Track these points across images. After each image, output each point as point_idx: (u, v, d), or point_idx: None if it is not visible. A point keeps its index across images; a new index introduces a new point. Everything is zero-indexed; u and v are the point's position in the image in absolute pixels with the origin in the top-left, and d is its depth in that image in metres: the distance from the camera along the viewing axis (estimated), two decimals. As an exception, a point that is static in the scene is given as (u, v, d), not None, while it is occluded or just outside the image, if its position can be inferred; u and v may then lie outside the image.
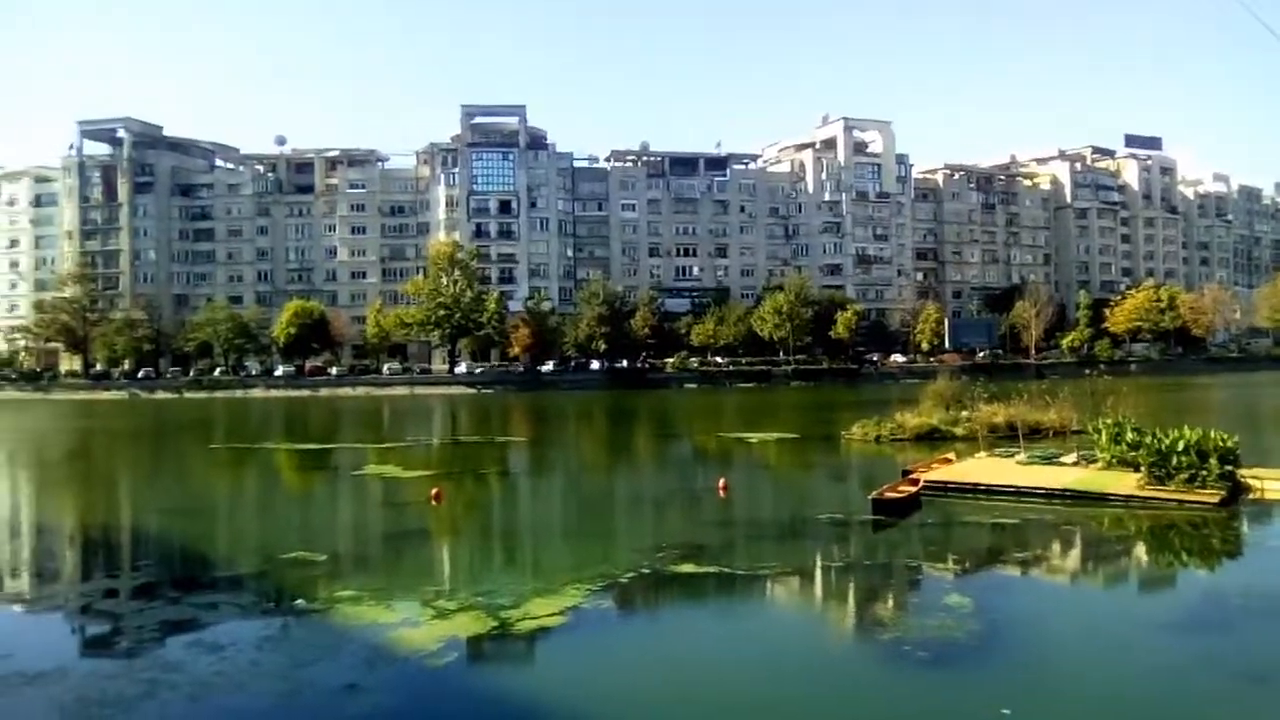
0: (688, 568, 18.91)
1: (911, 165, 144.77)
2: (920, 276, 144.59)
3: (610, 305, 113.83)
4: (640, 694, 12.62)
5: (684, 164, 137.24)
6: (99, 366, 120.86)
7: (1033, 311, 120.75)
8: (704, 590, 17.91)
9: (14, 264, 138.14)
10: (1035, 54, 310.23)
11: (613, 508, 29.99)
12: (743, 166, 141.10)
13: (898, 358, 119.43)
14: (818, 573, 19.58)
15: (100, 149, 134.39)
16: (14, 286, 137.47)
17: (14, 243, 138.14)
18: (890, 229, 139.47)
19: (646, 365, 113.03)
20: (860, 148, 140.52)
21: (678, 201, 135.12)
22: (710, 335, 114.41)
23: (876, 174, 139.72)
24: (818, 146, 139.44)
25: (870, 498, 24.45)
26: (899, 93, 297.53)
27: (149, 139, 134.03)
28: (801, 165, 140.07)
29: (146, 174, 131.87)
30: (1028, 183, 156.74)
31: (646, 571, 18.88)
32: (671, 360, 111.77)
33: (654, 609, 17.55)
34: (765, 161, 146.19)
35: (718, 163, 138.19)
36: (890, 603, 17.51)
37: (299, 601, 16.91)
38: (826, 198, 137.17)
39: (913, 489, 25.79)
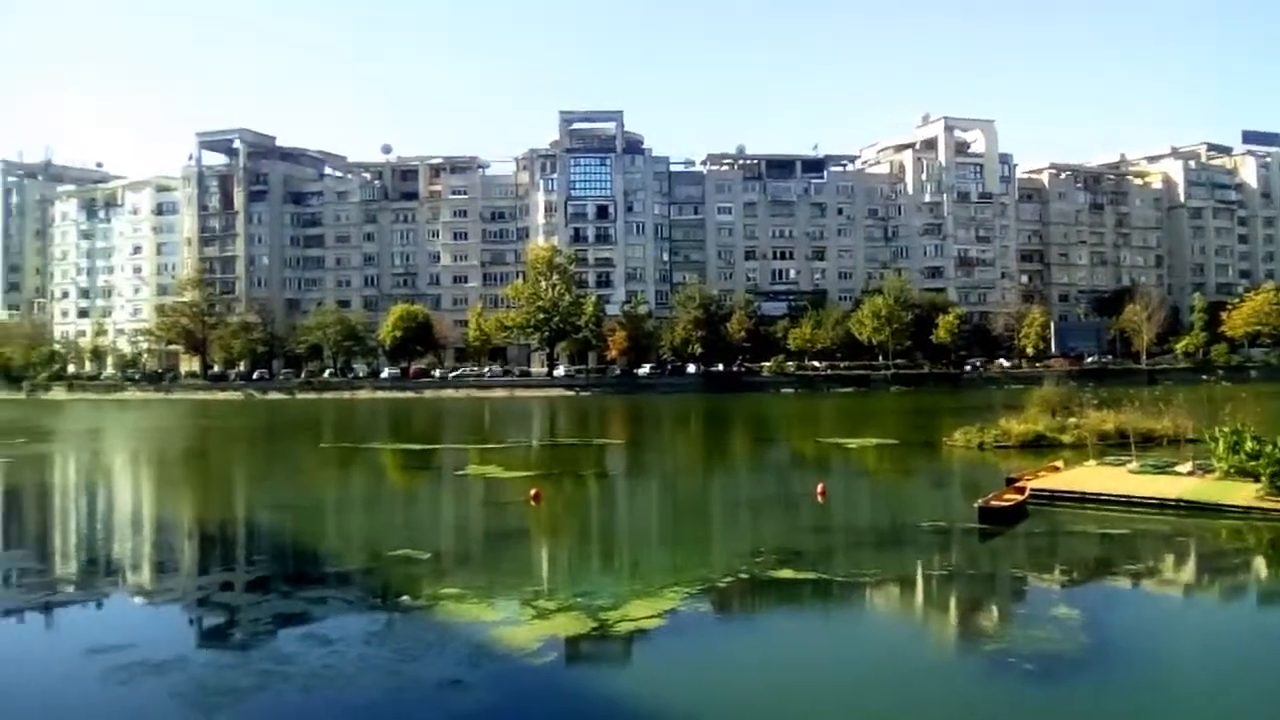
0: (786, 573, 18.81)
1: (1015, 165, 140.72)
2: (1025, 279, 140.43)
3: (706, 309, 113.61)
4: (737, 700, 12.61)
5: (780, 166, 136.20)
6: (216, 368, 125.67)
7: (1144, 315, 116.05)
8: (802, 596, 17.80)
9: (138, 270, 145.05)
10: (1146, 50, 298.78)
11: (709, 511, 30.01)
12: (840, 168, 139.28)
13: (1001, 362, 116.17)
14: (919, 581, 19.27)
15: (218, 159, 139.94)
16: (138, 291, 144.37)
17: (137, 249, 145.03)
18: (994, 230, 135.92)
19: (742, 369, 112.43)
20: (962, 148, 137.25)
21: (774, 204, 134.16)
22: (807, 339, 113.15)
23: (979, 174, 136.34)
24: (918, 147, 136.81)
25: (977, 506, 23.89)
26: (1002, 91, 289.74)
27: (263, 149, 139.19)
28: (901, 166, 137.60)
29: (260, 183, 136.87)
30: (1138, 182, 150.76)
31: (744, 576, 18.86)
32: (768, 364, 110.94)
33: (752, 614, 17.52)
34: (863, 163, 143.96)
35: (815, 165, 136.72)
36: (995, 613, 17.12)
37: (404, 598, 17.38)
38: (927, 199, 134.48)
39: (1019, 497, 25.15)
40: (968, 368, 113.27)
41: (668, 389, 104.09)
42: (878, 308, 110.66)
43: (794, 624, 16.62)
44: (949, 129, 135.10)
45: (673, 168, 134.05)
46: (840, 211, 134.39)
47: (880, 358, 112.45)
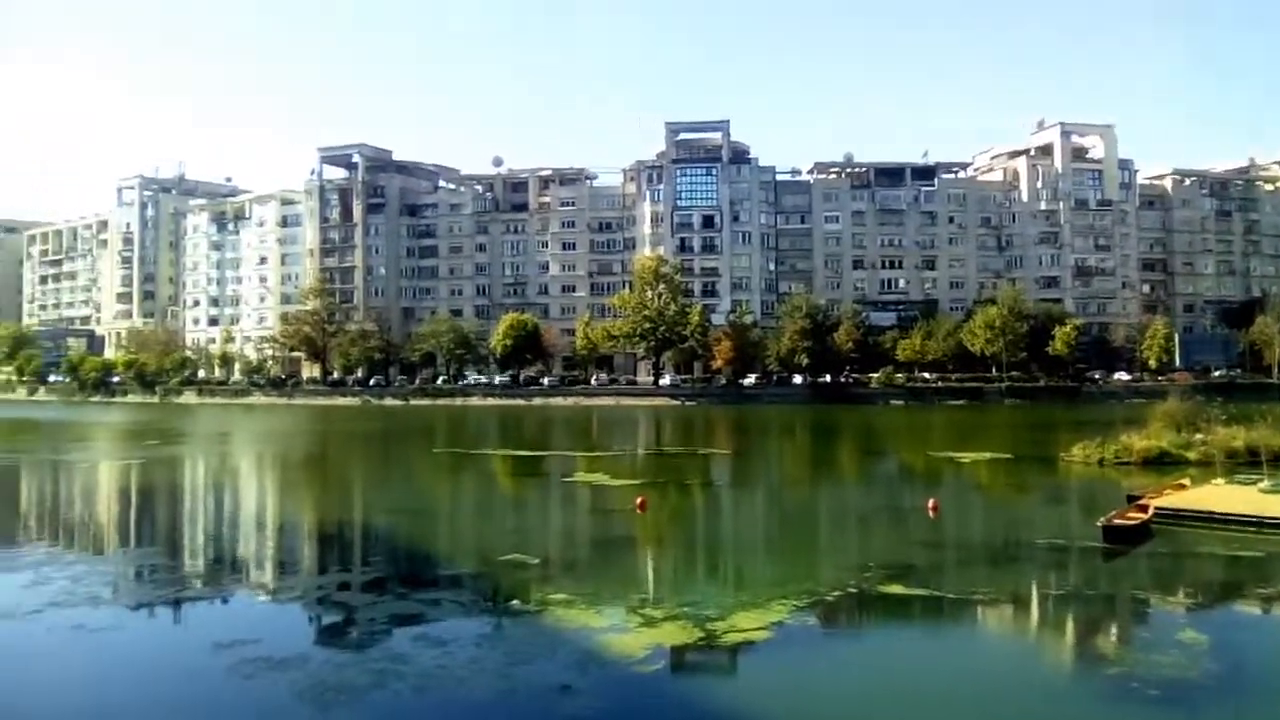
0: (896, 588, 18.50)
1: (1136, 171, 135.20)
2: (1147, 289, 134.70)
3: (813, 319, 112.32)
4: (844, 715, 12.47)
5: (889, 174, 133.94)
6: (335, 374, 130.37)
7: (1276, 327, 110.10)
8: (913, 613, 17.48)
9: (263, 279, 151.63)
10: (1275, 51, 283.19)
11: (817, 523, 29.70)
12: (951, 176, 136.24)
13: (1122, 376, 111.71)
14: (1035, 600, 18.71)
15: (338, 173, 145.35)
16: (263, 300, 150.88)
17: (263, 260, 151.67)
18: (1113, 238, 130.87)
19: (850, 380, 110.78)
20: (1079, 153, 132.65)
21: (883, 213, 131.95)
22: (917, 350, 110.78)
23: (1097, 180, 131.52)
24: (1032, 153, 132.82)
25: (1100, 524, 22.98)
26: (1122, 96, 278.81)
27: (380, 163, 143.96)
28: (1015, 173, 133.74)
29: (378, 195, 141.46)
30: (1269, 187, 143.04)
31: (853, 590, 18.62)
32: (876, 375, 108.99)
33: (860, 629, 17.30)
34: (975, 170, 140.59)
35: (925, 172, 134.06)
36: (1116, 636, 16.52)
37: (514, 602, 17.71)
38: (1042, 206, 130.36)
39: (1144, 516, 24.17)
40: (1086, 381, 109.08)
41: (773, 399, 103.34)
42: (991, 318, 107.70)
43: (904, 641, 16.34)
44: (1066, 134, 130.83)
45: (779, 177, 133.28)
46: (952, 220, 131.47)
47: (993, 370, 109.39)
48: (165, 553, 25.28)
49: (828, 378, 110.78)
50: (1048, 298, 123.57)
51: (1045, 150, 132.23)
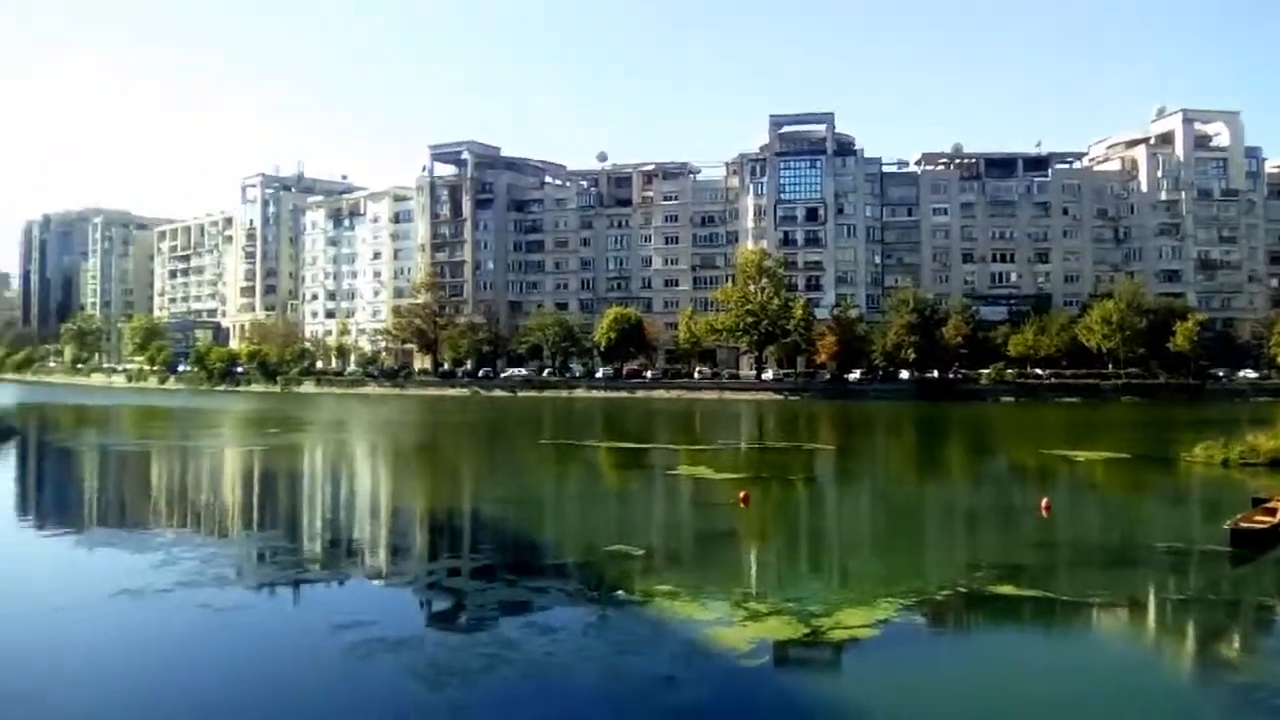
0: (1006, 589, 18.13)
1: (1264, 159, 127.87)
2: (1275, 283, 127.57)
3: (920, 313, 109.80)
4: (952, 716, 12.31)
5: (1000, 165, 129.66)
6: (446, 365, 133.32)
7: None
8: (1023, 615, 17.12)
9: (377, 274, 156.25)
10: None
11: (923, 521, 29.25)
12: (1066, 166, 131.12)
13: (1248, 373, 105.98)
14: (1154, 605, 18.12)
15: (448, 170, 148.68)
16: (377, 294, 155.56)
17: (377, 255, 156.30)
18: (1239, 230, 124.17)
19: (959, 376, 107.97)
20: (1202, 141, 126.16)
21: (994, 204, 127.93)
22: (1029, 346, 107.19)
23: (1222, 169, 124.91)
24: (1152, 142, 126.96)
25: (1227, 527, 22.00)
26: (1247, 82, 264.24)
27: (488, 159, 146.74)
28: (1133, 163, 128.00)
29: (486, 191, 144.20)
30: None
31: (962, 589, 18.32)
32: (986, 371, 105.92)
33: (969, 630, 17.02)
34: (1091, 160, 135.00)
35: (1038, 163, 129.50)
36: (1240, 643, 15.89)
37: (619, 592, 17.97)
38: (1163, 197, 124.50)
39: (1272, 520, 23.08)
40: (1209, 379, 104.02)
41: (879, 395, 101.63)
42: (1108, 313, 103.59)
43: (1014, 643, 16.02)
44: (1188, 121, 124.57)
45: (885, 168, 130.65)
46: (1066, 211, 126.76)
47: (1110, 366, 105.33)
48: (286, 536, 26.49)
49: (935, 373, 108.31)
50: (1168, 292, 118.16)
51: (1166, 139, 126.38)
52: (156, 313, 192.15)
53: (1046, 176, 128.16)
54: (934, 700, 12.85)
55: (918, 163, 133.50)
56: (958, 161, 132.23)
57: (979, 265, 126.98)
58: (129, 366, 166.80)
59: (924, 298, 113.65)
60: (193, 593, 17.90)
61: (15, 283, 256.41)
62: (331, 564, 22.44)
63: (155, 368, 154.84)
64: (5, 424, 58.63)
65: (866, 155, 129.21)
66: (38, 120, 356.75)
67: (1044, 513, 26.62)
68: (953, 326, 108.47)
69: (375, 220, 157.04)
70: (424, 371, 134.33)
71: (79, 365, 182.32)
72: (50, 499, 36.01)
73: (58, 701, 12.70)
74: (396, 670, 13.63)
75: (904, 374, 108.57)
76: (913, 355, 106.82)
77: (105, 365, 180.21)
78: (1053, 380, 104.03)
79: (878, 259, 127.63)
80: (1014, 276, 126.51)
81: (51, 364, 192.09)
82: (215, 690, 13.34)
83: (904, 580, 18.98)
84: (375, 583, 20.51)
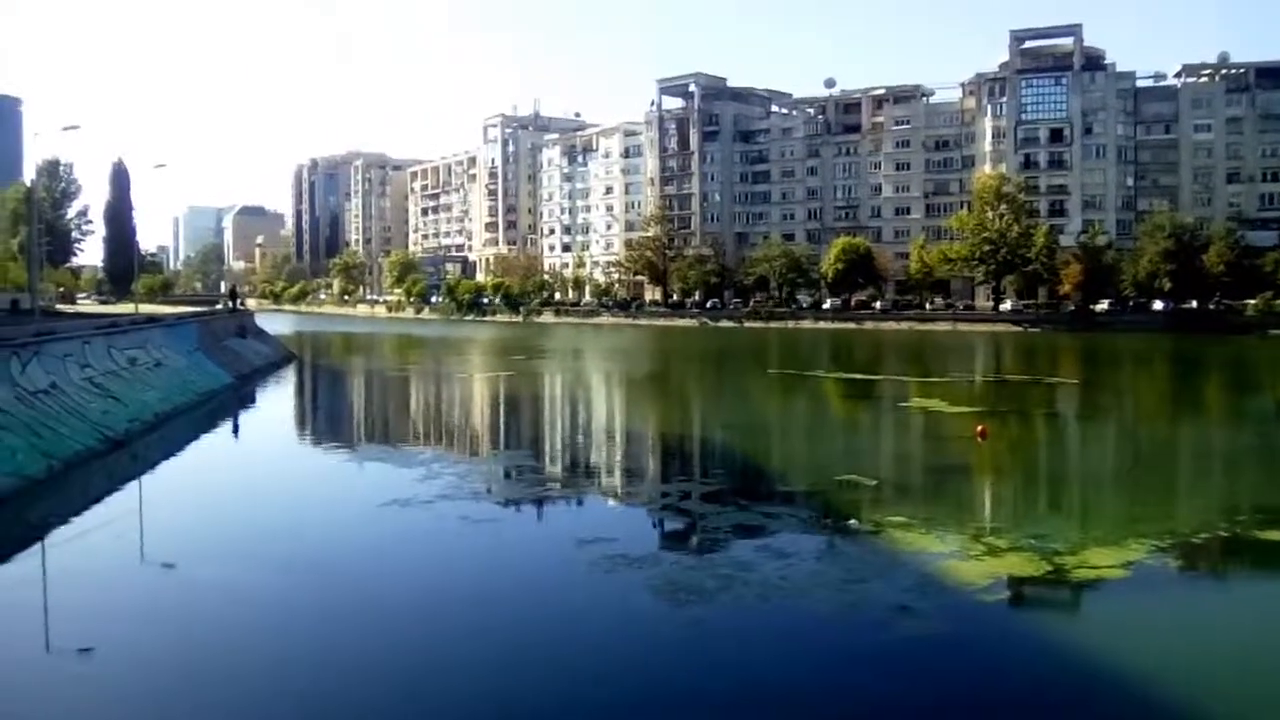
0: (1274, 534, 16.81)
1: None
2: None
3: (1178, 239, 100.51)
4: (1208, 666, 11.55)
5: (1273, 75, 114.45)
6: (675, 297, 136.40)
7: None
8: (1295, 563, 15.85)
9: (609, 208, 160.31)
10: None
11: (1176, 461, 27.36)
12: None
13: None
14: None
15: (675, 103, 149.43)
16: (609, 228, 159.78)
17: (609, 190, 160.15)
18: None
19: (1220, 307, 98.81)
20: None
21: (1265, 119, 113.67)
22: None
23: None
24: None
25: None
26: None
27: (715, 90, 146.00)
28: None
29: (713, 124, 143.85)
30: None
31: (1223, 533, 17.13)
32: (1253, 302, 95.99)
33: (1229, 576, 15.93)
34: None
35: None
36: None
37: (851, 521, 17.94)
38: None
39: None
40: None
41: (1128, 328, 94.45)
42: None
43: (1282, 594, 14.90)
44: None
45: (1139, 83, 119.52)
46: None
47: None
48: (529, 456, 28.26)
49: (1193, 304, 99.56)
50: None
51: None
52: (411, 248, 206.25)
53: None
54: (1190, 650, 12.04)
55: (1177, 75, 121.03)
56: (1224, 72, 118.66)
57: (1246, 186, 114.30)
58: (388, 298, 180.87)
59: (1183, 222, 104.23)
60: (453, 505, 19.47)
61: (289, 221, 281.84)
62: (572, 484, 23.72)
63: (411, 299, 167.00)
64: (286, 350, 65.30)
65: (1118, 70, 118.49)
66: (303, 74, 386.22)
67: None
68: (1215, 253, 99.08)
69: (607, 155, 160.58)
70: (654, 303, 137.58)
71: (345, 297, 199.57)
72: (325, 418, 40.10)
73: (352, 590, 14.31)
74: (639, 585, 14.23)
75: (1157, 305, 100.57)
76: (1168, 285, 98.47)
77: (369, 297, 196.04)
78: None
79: (1129, 181, 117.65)
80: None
81: (322, 296, 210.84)
82: (487, 590, 14.58)
83: (1154, 521, 17.92)
84: (612, 503, 21.49)
